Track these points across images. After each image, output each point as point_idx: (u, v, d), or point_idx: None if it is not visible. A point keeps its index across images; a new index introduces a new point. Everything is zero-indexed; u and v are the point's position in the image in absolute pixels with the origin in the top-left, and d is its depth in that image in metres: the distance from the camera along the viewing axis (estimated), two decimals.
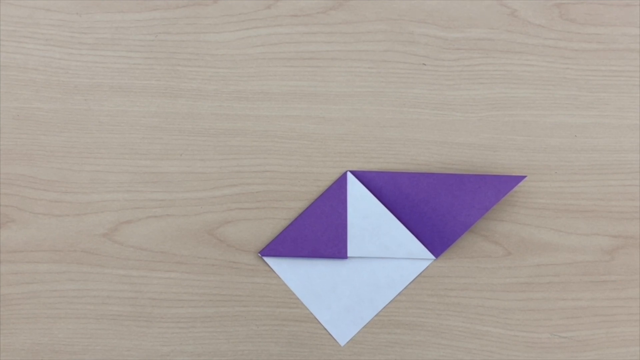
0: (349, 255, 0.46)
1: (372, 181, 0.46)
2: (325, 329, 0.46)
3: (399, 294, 0.46)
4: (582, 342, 0.46)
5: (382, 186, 0.46)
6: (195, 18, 0.49)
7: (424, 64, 0.49)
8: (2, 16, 0.49)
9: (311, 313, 0.46)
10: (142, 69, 0.48)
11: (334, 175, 0.47)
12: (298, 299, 0.46)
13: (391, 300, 0.46)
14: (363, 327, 0.46)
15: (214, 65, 0.48)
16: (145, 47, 0.49)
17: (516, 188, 0.47)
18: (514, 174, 0.47)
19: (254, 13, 0.49)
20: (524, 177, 0.44)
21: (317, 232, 0.46)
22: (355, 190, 0.46)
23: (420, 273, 0.46)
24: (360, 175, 0.47)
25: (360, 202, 0.46)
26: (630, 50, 0.49)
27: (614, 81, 0.48)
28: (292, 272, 0.46)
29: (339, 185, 0.47)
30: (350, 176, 0.47)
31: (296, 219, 0.46)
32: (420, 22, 0.49)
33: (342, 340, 0.46)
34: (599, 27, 0.49)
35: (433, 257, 0.46)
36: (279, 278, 0.46)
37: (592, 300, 0.46)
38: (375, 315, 0.46)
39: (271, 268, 0.46)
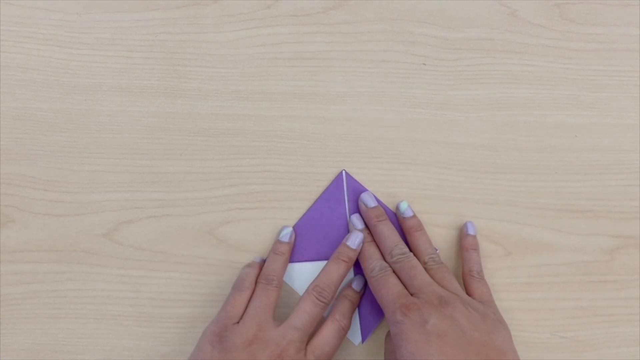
0: None
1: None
2: None
3: None
4: (582, 342, 0.46)
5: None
6: (195, 18, 0.49)
7: (424, 64, 0.49)
8: (2, 16, 0.49)
9: None
10: (142, 69, 0.48)
11: (334, 175, 0.47)
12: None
13: None
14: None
15: (214, 65, 0.48)
16: (145, 47, 0.49)
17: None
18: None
19: (254, 13, 0.49)
20: None
21: (319, 235, 0.46)
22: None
23: None
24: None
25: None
26: (630, 50, 0.49)
27: (614, 81, 0.48)
28: (295, 274, 0.46)
29: (336, 185, 0.47)
30: (346, 175, 0.47)
31: (296, 224, 0.46)
32: (420, 22, 0.49)
33: (356, 340, 0.45)
34: (599, 27, 0.49)
35: (437, 249, 0.46)
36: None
37: (592, 300, 0.46)
38: None
39: None
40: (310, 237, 0.46)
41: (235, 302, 0.41)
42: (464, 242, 0.45)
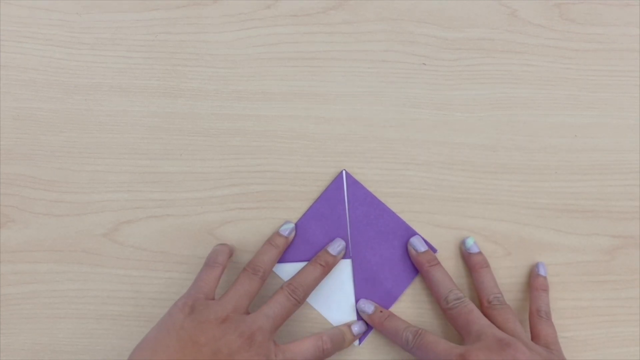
0: (351, 254, 0.46)
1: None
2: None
3: (405, 292, 0.46)
4: (582, 342, 0.46)
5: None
6: (195, 18, 0.49)
7: (424, 64, 0.49)
8: (2, 16, 0.49)
9: (316, 310, 0.46)
10: (142, 69, 0.48)
11: (335, 175, 0.47)
12: None
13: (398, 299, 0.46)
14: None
15: (214, 65, 0.48)
16: (145, 47, 0.49)
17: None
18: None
19: (254, 13, 0.49)
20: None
21: (318, 235, 0.46)
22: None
23: None
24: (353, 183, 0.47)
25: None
26: (630, 50, 0.49)
27: (614, 81, 0.48)
28: (294, 273, 0.46)
29: (336, 185, 0.47)
30: (346, 175, 0.47)
31: (296, 224, 0.46)
32: (420, 22, 0.49)
33: (356, 341, 0.45)
34: (599, 27, 0.49)
35: (436, 250, 0.46)
36: (281, 278, 0.46)
37: (592, 300, 0.46)
38: None
39: (274, 272, 0.46)
40: (310, 237, 0.46)
41: (208, 278, 0.41)
42: (534, 281, 0.45)
